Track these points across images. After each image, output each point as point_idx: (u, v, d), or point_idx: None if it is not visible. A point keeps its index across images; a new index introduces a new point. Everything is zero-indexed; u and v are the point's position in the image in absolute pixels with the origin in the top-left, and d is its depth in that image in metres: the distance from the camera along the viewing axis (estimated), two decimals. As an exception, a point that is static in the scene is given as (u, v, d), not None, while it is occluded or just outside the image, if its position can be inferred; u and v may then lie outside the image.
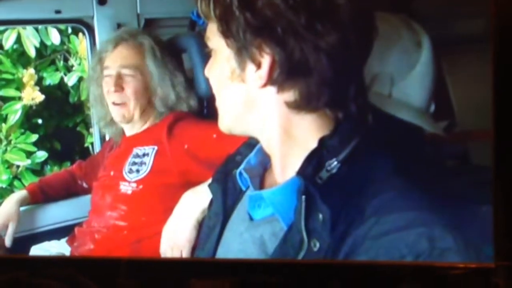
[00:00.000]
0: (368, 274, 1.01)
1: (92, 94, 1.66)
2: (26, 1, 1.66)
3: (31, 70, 1.85)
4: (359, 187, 0.79)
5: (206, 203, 1.12)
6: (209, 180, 1.04)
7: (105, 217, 1.51)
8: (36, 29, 1.81)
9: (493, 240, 1.01)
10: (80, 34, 1.84)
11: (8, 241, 1.58)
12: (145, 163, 1.50)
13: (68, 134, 1.96)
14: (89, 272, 1.11)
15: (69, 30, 1.88)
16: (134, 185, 1.49)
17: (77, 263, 1.42)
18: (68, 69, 1.90)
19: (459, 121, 1.30)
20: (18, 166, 1.86)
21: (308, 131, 0.85)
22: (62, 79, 1.90)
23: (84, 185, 1.72)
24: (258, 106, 0.85)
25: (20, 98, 1.84)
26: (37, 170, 1.88)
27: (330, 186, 0.80)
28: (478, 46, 1.23)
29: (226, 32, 0.83)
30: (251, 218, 0.91)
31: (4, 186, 1.83)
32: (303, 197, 0.80)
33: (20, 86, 1.85)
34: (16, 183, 1.85)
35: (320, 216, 0.78)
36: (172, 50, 1.59)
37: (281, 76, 0.81)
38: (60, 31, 1.85)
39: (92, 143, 1.88)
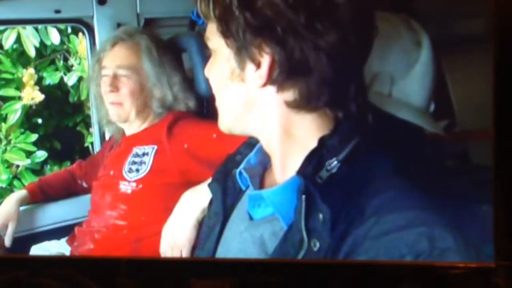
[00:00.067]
0: (368, 273, 1.01)
1: (92, 93, 1.66)
2: (26, 1, 1.66)
3: (31, 70, 1.85)
4: (359, 187, 0.79)
5: (206, 203, 1.12)
6: (209, 180, 1.04)
7: (105, 217, 1.51)
8: (36, 29, 1.81)
9: (493, 239, 1.01)
10: (80, 34, 1.84)
11: (8, 241, 1.58)
12: (144, 163, 1.50)
13: (68, 133, 1.96)
14: (89, 272, 1.11)
15: (69, 30, 1.88)
16: (134, 184, 1.49)
17: (77, 262, 1.42)
18: (68, 69, 1.90)
19: (459, 121, 1.29)
20: (18, 166, 1.86)
21: (308, 131, 0.85)
22: (62, 78, 1.90)
23: (84, 184, 1.72)
24: (258, 105, 0.85)
25: (20, 98, 1.84)
26: (37, 169, 1.88)
27: (330, 185, 0.80)
28: (478, 45, 1.23)
29: (226, 32, 0.83)
30: (251, 218, 0.91)
31: (3, 186, 1.83)
32: (303, 196, 0.80)
33: (20, 86, 1.84)
34: (16, 182, 1.85)
35: (320, 215, 0.78)
36: (172, 50, 1.59)
37: (281, 76, 0.81)
38: (60, 31, 1.85)
39: (92, 143, 1.88)
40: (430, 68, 1.12)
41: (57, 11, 1.68)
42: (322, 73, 0.81)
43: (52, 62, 1.90)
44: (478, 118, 1.26)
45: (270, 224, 0.86)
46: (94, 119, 1.79)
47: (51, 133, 1.93)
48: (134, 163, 1.51)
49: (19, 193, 1.66)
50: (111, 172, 1.56)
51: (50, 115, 1.94)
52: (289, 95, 0.83)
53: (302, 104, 0.83)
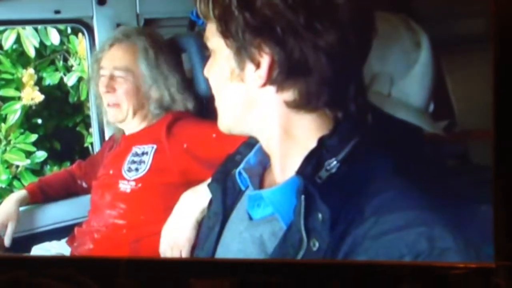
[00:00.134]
0: (368, 274, 1.00)
1: (92, 92, 1.67)
2: (26, 1, 1.66)
3: (31, 70, 1.85)
4: (358, 187, 0.79)
5: (205, 203, 1.12)
6: (209, 180, 1.04)
7: (104, 216, 1.51)
8: (36, 29, 1.81)
9: (493, 240, 1.01)
10: (80, 34, 1.84)
11: (7, 241, 1.58)
12: (144, 162, 1.50)
13: (68, 134, 1.96)
14: (88, 272, 1.11)
15: (69, 30, 1.88)
16: (133, 183, 1.49)
17: (76, 263, 1.42)
18: (68, 69, 1.90)
19: (459, 121, 1.29)
20: (17, 166, 1.86)
21: (307, 131, 0.85)
22: (61, 79, 1.90)
23: (84, 185, 1.73)
24: (258, 105, 0.85)
25: (19, 98, 1.84)
26: (37, 170, 1.88)
27: (330, 185, 0.80)
28: (478, 46, 1.23)
29: (225, 32, 0.83)
30: (250, 218, 0.91)
31: (3, 186, 1.83)
32: (303, 196, 0.80)
33: (19, 86, 1.85)
34: (15, 183, 1.85)
35: (320, 215, 0.78)
36: (171, 50, 1.59)
37: (281, 76, 0.81)
38: (60, 31, 1.85)
39: (91, 143, 1.88)
40: (429, 68, 1.12)
41: (57, 12, 1.68)
42: (321, 73, 0.81)
43: (52, 62, 1.91)
44: (477, 118, 1.26)
45: (270, 224, 0.86)
46: (93, 119, 1.80)
47: (51, 134, 1.94)
48: (133, 162, 1.52)
49: (19, 193, 1.66)
50: (111, 172, 1.56)
51: (50, 115, 1.94)
52: (289, 95, 0.83)
53: (302, 104, 0.83)
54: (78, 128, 1.97)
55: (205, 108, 1.59)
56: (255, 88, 0.84)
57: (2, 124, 1.84)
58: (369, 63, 0.88)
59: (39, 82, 1.88)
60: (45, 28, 1.82)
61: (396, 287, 1.03)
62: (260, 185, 0.93)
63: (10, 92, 1.84)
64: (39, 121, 1.92)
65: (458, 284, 1.02)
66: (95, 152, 1.82)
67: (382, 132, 0.88)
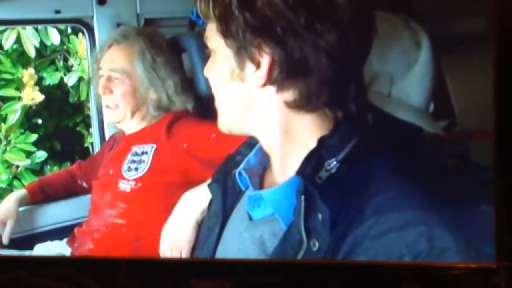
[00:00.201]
0: (368, 274, 1.00)
1: (93, 92, 1.67)
2: (26, 1, 1.66)
3: (31, 70, 1.86)
4: (358, 187, 0.79)
5: (205, 204, 1.12)
6: (209, 180, 1.04)
7: (104, 216, 1.51)
8: (36, 29, 1.81)
9: (494, 240, 1.01)
10: (80, 34, 1.84)
11: (5, 239, 1.58)
12: (143, 161, 1.50)
13: (68, 134, 1.96)
14: (89, 272, 1.11)
15: (69, 30, 1.88)
16: (133, 183, 1.49)
17: (77, 263, 1.42)
18: (68, 69, 1.91)
19: (459, 121, 1.29)
20: (17, 166, 1.87)
21: (307, 131, 0.85)
22: (62, 79, 1.90)
23: (84, 184, 1.73)
24: (258, 106, 0.85)
25: (19, 98, 1.85)
26: (37, 170, 1.88)
27: (330, 185, 0.80)
28: (478, 45, 1.23)
29: (226, 32, 0.83)
30: (250, 218, 0.91)
31: (3, 186, 1.83)
32: (303, 197, 0.79)
33: (20, 86, 1.85)
34: (15, 183, 1.85)
35: (320, 216, 0.78)
36: (170, 50, 1.59)
37: (281, 76, 0.81)
38: (60, 31, 1.85)
39: (92, 143, 1.88)
40: (429, 68, 1.12)
41: (57, 11, 1.68)
42: (322, 73, 0.81)
43: (52, 62, 1.91)
44: (477, 118, 1.26)
45: (270, 224, 0.86)
46: (94, 119, 1.80)
47: (51, 134, 1.94)
48: (133, 162, 1.52)
49: (19, 193, 1.66)
50: (111, 171, 1.56)
51: (50, 115, 1.94)
52: (289, 95, 0.83)
53: (302, 104, 0.83)
54: (78, 128, 1.97)
55: (205, 108, 1.59)
56: (255, 88, 0.84)
57: (2, 124, 1.84)
58: (369, 63, 0.88)
59: (39, 82, 1.88)
60: (46, 28, 1.82)
61: (396, 287, 1.03)
62: (260, 185, 0.93)
63: (10, 92, 1.84)
64: (39, 121, 1.92)
65: (459, 284, 1.02)
66: (95, 152, 1.82)
67: (382, 132, 0.88)
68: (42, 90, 1.87)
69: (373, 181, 0.80)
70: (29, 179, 1.84)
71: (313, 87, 0.82)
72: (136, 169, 1.50)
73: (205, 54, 0.93)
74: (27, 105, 1.85)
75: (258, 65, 0.82)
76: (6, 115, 1.84)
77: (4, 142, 1.84)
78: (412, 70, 1.11)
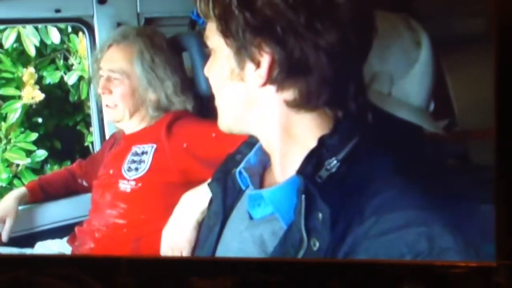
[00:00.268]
0: (368, 273, 1.00)
1: (93, 91, 1.68)
2: (26, 0, 1.67)
3: (31, 69, 1.86)
4: (359, 186, 0.79)
5: (205, 204, 1.12)
6: (209, 180, 1.04)
7: (105, 216, 1.51)
8: (36, 28, 1.82)
9: (495, 239, 1.01)
10: (80, 33, 1.84)
11: (4, 236, 1.59)
12: (144, 161, 1.50)
13: (68, 133, 1.97)
14: (89, 271, 1.11)
15: (69, 29, 1.88)
16: (133, 183, 1.49)
17: (77, 261, 1.42)
18: (68, 68, 1.91)
19: (459, 121, 1.30)
20: (18, 165, 1.87)
21: (307, 130, 0.85)
22: (62, 78, 1.90)
23: (84, 183, 1.73)
24: (258, 105, 0.85)
25: (20, 97, 1.85)
26: (37, 169, 1.89)
27: (330, 185, 0.80)
28: (478, 45, 1.23)
29: (226, 32, 0.83)
30: (251, 217, 0.91)
31: (4, 185, 1.83)
32: (303, 196, 0.79)
33: (20, 85, 1.85)
34: (16, 182, 1.86)
35: (320, 215, 0.78)
36: (170, 50, 1.59)
37: (281, 75, 0.81)
38: (60, 30, 1.85)
39: (92, 142, 1.88)
40: (429, 68, 1.12)
41: (57, 11, 1.68)
42: (322, 73, 0.81)
43: (52, 61, 1.91)
44: (478, 118, 1.26)
45: (270, 223, 0.86)
46: (94, 118, 1.80)
47: (51, 132, 1.94)
48: (133, 161, 1.52)
49: (19, 191, 1.66)
50: (111, 171, 1.56)
51: (50, 114, 1.94)
52: (289, 94, 0.83)
53: (302, 104, 0.83)
54: (78, 127, 1.97)
55: (205, 107, 1.59)
56: (255, 88, 0.84)
57: (3, 123, 1.84)
58: (369, 63, 0.88)
59: (39, 81, 1.88)
60: (46, 27, 1.83)
61: (396, 286, 1.03)
62: (261, 184, 0.93)
63: (10, 91, 1.85)
64: (40, 120, 1.93)
65: (459, 283, 1.02)
66: (95, 151, 1.82)
67: (382, 131, 0.88)
68: (42, 89, 1.87)
69: (373, 180, 0.80)
70: (29, 178, 1.84)
71: (313, 87, 0.82)
72: (136, 169, 1.50)
73: (205, 53, 0.93)
74: (27, 104, 1.85)
75: (258, 65, 0.82)
76: (6, 114, 1.84)
77: (4, 141, 1.84)
78: (412, 69, 1.11)
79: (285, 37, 0.79)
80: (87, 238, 1.53)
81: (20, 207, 1.63)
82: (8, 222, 1.59)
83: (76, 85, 1.90)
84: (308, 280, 1.04)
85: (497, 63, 1.05)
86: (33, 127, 1.90)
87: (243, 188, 0.95)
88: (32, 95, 1.84)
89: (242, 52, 0.82)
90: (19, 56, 1.86)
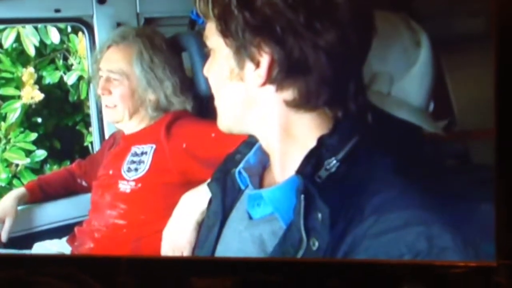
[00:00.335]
0: (368, 273, 1.00)
1: (92, 91, 1.68)
2: (26, 0, 1.66)
3: (31, 69, 1.86)
4: (358, 186, 0.79)
5: (205, 204, 1.12)
6: (209, 180, 1.04)
7: (104, 216, 1.51)
8: (36, 28, 1.82)
9: (495, 238, 1.01)
10: (80, 33, 1.84)
11: (4, 236, 1.58)
12: (143, 162, 1.50)
13: (68, 133, 1.97)
14: (89, 271, 1.11)
15: (69, 29, 1.88)
16: (133, 183, 1.49)
17: (77, 261, 1.42)
18: (68, 68, 1.91)
19: (459, 121, 1.30)
20: (17, 165, 1.87)
21: (307, 130, 0.85)
22: (61, 78, 1.90)
23: (84, 183, 1.73)
24: (257, 105, 0.85)
25: (19, 97, 1.85)
26: (37, 169, 1.89)
27: (329, 185, 0.80)
28: (479, 45, 1.23)
29: (225, 31, 0.83)
30: (250, 217, 0.91)
31: (3, 185, 1.83)
32: (302, 196, 0.79)
33: (19, 85, 1.85)
34: (15, 182, 1.86)
35: (319, 215, 0.78)
36: (170, 50, 1.59)
37: (280, 75, 0.81)
38: (60, 30, 1.85)
39: (91, 142, 1.88)
40: (429, 68, 1.12)
41: (57, 10, 1.68)
42: (321, 72, 0.81)
43: (52, 61, 1.91)
44: (477, 118, 1.26)
45: (270, 223, 0.86)
46: (93, 118, 1.80)
47: (50, 132, 1.94)
48: (133, 162, 1.52)
49: (18, 191, 1.66)
50: (110, 172, 1.56)
51: (49, 114, 1.94)
52: (289, 94, 0.83)
53: (302, 103, 0.83)
54: (78, 127, 1.97)
55: (205, 107, 1.59)
56: (255, 87, 0.84)
57: (2, 123, 1.84)
58: (369, 63, 0.88)
59: (39, 81, 1.88)
60: (45, 27, 1.83)
61: (396, 286, 1.03)
62: (260, 184, 0.93)
63: (10, 91, 1.85)
64: (39, 120, 1.93)
65: (459, 283, 1.02)
66: (95, 151, 1.82)
67: (382, 131, 0.88)
68: (42, 89, 1.87)
69: (373, 180, 0.80)
70: (29, 178, 1.84)
71: (312, 86, 0.81)
72: (136, 169, 1.50)
73: (205, 53, 0.92)
74: (27, 104, 1.85)
75: (257, 64, 0.82)
76: (6, 114, 1.84)
77: (3, 141, 1.84)
78: (411, 69, 1.11)
79: (284, 37, 0.79)
80: (86, 238, 1.53)
81: (19, 207, 1.63)
82: (7, 222, 1.59)
83: (76, 85, 1.90)
84: (308, 280, 1.04)
85: (497, 63, 1.05)
86: (33, 127, 1.90)
87: (243, 188, 0.95)
88: (32, 95, 1.84)
89: (242, 51, 0.82)
90: (19, 56, 1.86)
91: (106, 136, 1.76)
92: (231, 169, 0.97)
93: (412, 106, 1.11)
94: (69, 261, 1.37)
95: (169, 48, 1.58)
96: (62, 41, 1.88)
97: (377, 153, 0.83)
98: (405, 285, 1.03)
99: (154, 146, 1.51)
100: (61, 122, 1.97)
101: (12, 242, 1.60)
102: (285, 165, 0.86)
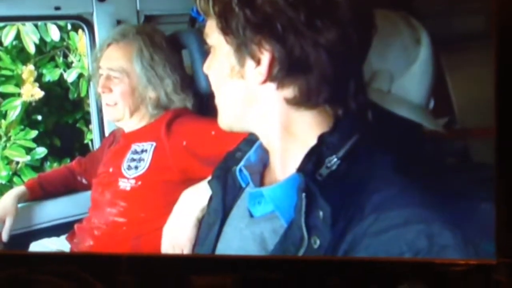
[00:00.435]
0: (368, 271, 1.01)
1: (93, 89, 1.68)
2: (26, -2, 1.67)
3: (31, 67, 1.86)
4: (358, 184, 0.79)
5: (205, 201, 1.12)
6: (209, 177, 1.04)
7: (104, 214, 1.51)
8: (36, 26, 1.81)
9: (495, 236, 1.01)
10: (80, 31, 1.84)
11: (5, 236, 1.58)
12: (143, 160, 1.50)
13: (68, 130, 1.97)
14: (89, 269, 1.11)
15: (69, 27, 1.88)
16: (133, 181, 1.49)
17: (77, 259, 1.43)
18: (68, 66, 1.91)
19: (459, 119, 1.30)
20: (17, 163, 1.87)
21: (307, 128, 0.85)
22: (61, 75, 1.90)
23: (84, 181, 1.73)
24: (258, 102, 0.85)
25: (19, 95, 1.85)
26: (37, 166, 1.89)
27: (330, 183, 0.80)
28: (478, 43, 1.23)
29: (226, 29, 0.83)
30: (251, 215, 0.91)
31: (3, 182, 1.83)
32: (303, 194, 0.79)
33: (19, 83, 1.85)
34: (15, 179, 1.86)
35: (321, 213, 0.78)
36: (170, 48, 1.58)
37: (281, 73, 0.81)
38: (60, 28, 1.85)
39: (91, 140, 1.88)
40: (429, 65, 1.12)
41: (57, 8, 1.68)
42: (322, 70, 0.81)
43: (52, 58, 1.91)
44: (478, 116, 1.26)
45: (270, 221, 0.86)
46: (93, 116, 1.80)
47: (50, 130, 1.94)
48: (133, 160, 1.52)
49: (18, 189, 1.66)
50: (110, 169, 1.56)
51: (49, 111, 1.94)
52: (289, 92, 0.83)
53: (302, 101, 0.83)
54: (78, 125, 1.97)
55: (205, 105, 1.59)
56: (255, 85, 0.84)
57: (2, 121, 1.84)
58: (369, 61, 0.88)
59: (39, 79, 1.88)
60: (45, 24, 1.82)
61: (396, 284, 1.03)
62: (261, 182, 0.93)
63: (10, 88, 1.84)
64: (39, 117, 1.93)
65: (459, 281, 1.02)
66: (95, 149, 1.82)
67: (382, 129, 0.88)
68: (42, 86, 1.87)
69: (373, 178, 0.80)
70: (29, 176, 1.84)
71: (313, 84, 0.82)
72: (136, 167, 1.50)
73: (205, 51, 0.92)
74: (27, 101, 1.85)
75: (258, 62, 0.82)
76: (6, 112, 1.84)
77: (4, 139, 1.84)
78: (412, 67, 1.11)
79: (285, 35, 0.79)
80: (86, 236, 1.53)
81: (19, 205, 1.63)
82: (8, 221, 1.59)
83: (76, 83, 1.90)
84: (308, 278, 1.04)
85: (497, 61, 1.05)
86: (33, 125, 1.90)
87: (243, 186, 0.95)
88: (32, 92, 1.84)
89: (242, 49, 0.82)
90: (19, 53, 1.86)
91: (106, 134, 1.75)
92: (232, 167, 0.97)
93: (412, 103, 1.11)
94: (69, 259, 1.37)
95: (169, 46, 1.58)
96: (62, 39, 1.87)
97: (378, 151, 0.83)
98: (406, 283, 1.03)
99: (154, 144, 1.51)
100: (61, 119, 1.97)
101: (11, 239, 1.60)
102: (285, 163, 0.86)
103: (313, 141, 0.83)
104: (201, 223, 1.19)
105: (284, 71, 0.81)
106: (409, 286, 1.03)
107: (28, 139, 1.85)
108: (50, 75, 1.89)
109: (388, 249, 0.75)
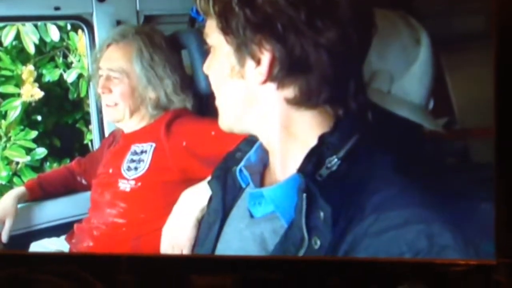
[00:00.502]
0: (368, 271, 1.01)
1: (92, 90, 1.67)
2: (26, -2, 1.67)
3: (30, 67, 1.85)
4: (359, 184, 0.79)
5: (205, 201, 1.12)
6: (209, 178, 1.04)
7: (104, 215, 1.51)
8: (36, 26, 1.81)
9: (494, 237, 1.01)
10: (80, 31, 1.84)
11: (4, 237, 1.58)
12: (143, 161, 1.50)
13: (68, 131, 1.96)
14: (89, 269, 1.11)
15: (69, 27, 1.88)
16: (133, 182, 1.49)
17: (77, 259, 1.43)
18: (68, 66, 1.90)
19: (459, 119, 1.29)
20: (17, 163, 1.87)
21: (308, 128, 0.85)
22: (61, 75, 1.90)
23: (83, 181, 1.73)
24: (258, 103, 0.85)
25: (19, 95, 1.84)
26: (37, 167, 1.88)
27: (330, 183, 0.80)
28: (479, 43, 1.23)
29: (226, 29, 0.83)
30: (251, 216, 0.90)
31: (3, 183, 1.83)
32: (304, 194, 0.79)
33: (19, 83, 1.85)
34: (15, 180, 1.85)
35: (321, 213, 0.78)
36: (169, 48, 1.58)
37: (281, 73, 0.81)
38: (60, 28, 1.85)
39: (91, 140, 1.88)
40: (429, 66, 1.12)
41: (57, 8, 1.68)
42: (322, 70, 0.81)
43: (52, 59, 1.91)
44: (477, 116, 1.26)
45: (271, 222, 0.86)
46: (93, 116, 1.80)
47: (50, 130, 1.94)
48: (132, 161, 1.51)
49: (18, 190, 1.66)
50: (110, 170, 1.56)
51: (49, 112, 1.94)
52: (289, 92, 0.83)
53: (302, 101, 0.83)
54: (77, 125, 1.97)
55: (205, 105, 1.59)
56: (256, 85, 0.84)
57: (2, 121, 1.84)
58: (369, 61, 0.88)
59: (38, 79, 1.88)
60: (45, 25, 1.82)
61: (396, 284, 1.03)
62: (261, 182, 0.93)
63: (9, 88, 1.84)
64: (39, 117, 1.92)
65: (459, 281, 1.02)
66: (94, 149, 1.82)
67: (382, 129, 0.88)
68: (42, 87, 1.87)
69: (373, 178, 0.80)
70: (29, 176, 1.84)
71: (313, 84, 0.82)
72: (136, 168, 1.50)
73: (205, 51, 0.92)
74: (27, 101, 1.85)
75: (258, 62, 0.82)
76: (5, 112, 1.84)
77: (4, 139, 1.84)
78: (411, 67, 1.11)
79: (285, 35, 0.79)
80: (85, 236, 1.53)
81: (19, 206, 1.63)
82: (7, 222, 1.59)
83: (76, 83, 1.90)
84: (308, 278, 1.04)
85: (497, 61, 1.05)
86: (33, 125, 1.90)
87: (243, 186, 0.95)
88: (32, 93, 1.84)
89: (243, 49, 0.82)
90: (19, 53, 1.86)
91: (106, 134, 1.75)
92: (232, 167, 0.97)
93: (412, 104, 1.11)
94: (69, 259, 1.37)
95: (168, 46, 1.58)
96: (61, 39, 1.87)
97: (378, 151, 0.83)
98: (406, 284, 1.03)
99: (154, 144, 1.51)
100: (61, 120, 1.97)
101: (12, 240, 1.60)
102: (286, 164, 0.86)
103: (313, 141, 0.83)
104: (201, 223, 1.19)
105: (285, 71, 0.81)
106: (409, 286, 1.03)
107: (28, 140, 1.85)
108: (50, 75, 1.89)
109: (388, 249, 0.75)
